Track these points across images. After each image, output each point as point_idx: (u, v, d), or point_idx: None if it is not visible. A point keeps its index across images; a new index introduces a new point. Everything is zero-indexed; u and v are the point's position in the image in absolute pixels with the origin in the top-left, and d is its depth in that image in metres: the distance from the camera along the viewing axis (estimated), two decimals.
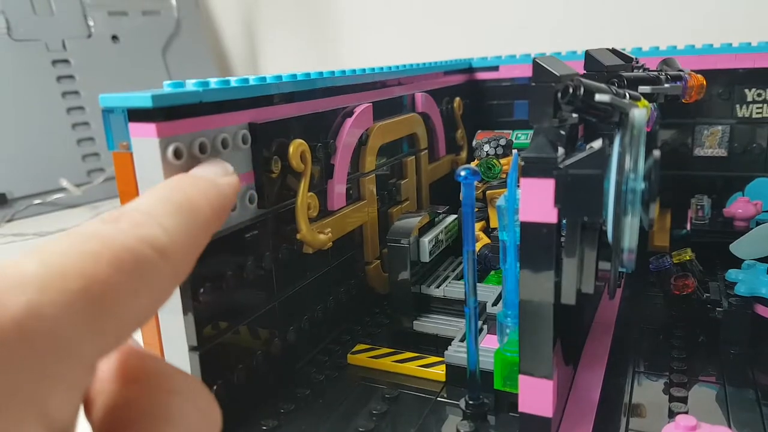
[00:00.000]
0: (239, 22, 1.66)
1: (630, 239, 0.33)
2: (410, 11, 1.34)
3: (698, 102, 0.81)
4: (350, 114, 0.57)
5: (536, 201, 0.38)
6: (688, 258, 0.61)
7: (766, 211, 0.75)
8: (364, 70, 0.63)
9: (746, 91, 0.78)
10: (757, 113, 0.79)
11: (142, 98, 0.37)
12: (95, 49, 1.35)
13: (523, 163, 0.38)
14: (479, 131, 0.81)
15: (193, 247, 0.24)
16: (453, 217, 0.63)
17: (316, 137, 0.52)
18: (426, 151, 0.74)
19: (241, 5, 1.63)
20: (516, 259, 0.44)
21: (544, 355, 0.42)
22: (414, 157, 0.71)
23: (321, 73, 0.54)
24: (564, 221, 0.39)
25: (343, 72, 0.58)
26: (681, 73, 0.44)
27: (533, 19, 1.18)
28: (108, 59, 1.36)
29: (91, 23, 1.34)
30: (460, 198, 0.45)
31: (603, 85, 0.38)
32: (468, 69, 0.95)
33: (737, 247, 0.57)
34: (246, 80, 0.45)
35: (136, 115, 0.38)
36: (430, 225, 0.61)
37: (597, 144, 0.36)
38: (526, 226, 0.39)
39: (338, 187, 0.54)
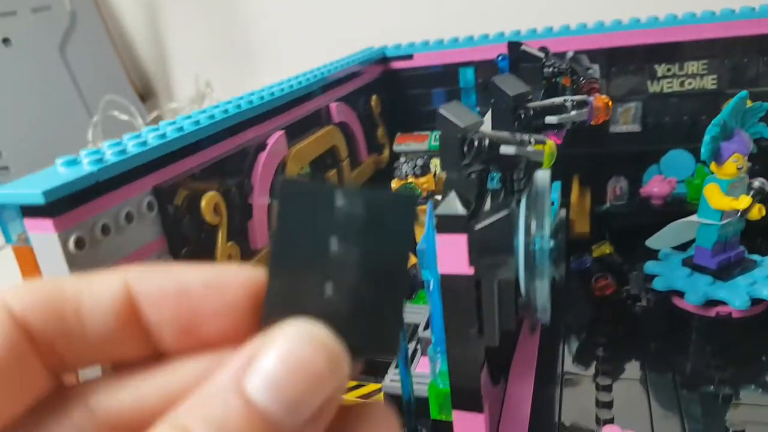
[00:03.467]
0: (141, 7, 1.57)
1: (541, 299, 0.34)
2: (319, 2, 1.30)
3: (611, 80, 0.83)
4: (263, 147, 0.55)
5: (452, 254, 0.38)
6: (607, 252, 0.63)
7: (682, 181, 0.78)
8: (272, 93, 0.60)
9: (656, 66, 0.80)
10: (667, 88, 0.81)
11: (32, 195, 0.35)
12: None
13: (435, 220, 0.38)
14: (399, 134, 0.80)
15: None
16: None
17: (229, 181, 0.51)
18: (347, 159, 0.73)
19: None
20: (440, 298, 0.45)
21: (474, 391, 0.43)
22: (336, 169, 0.70)
23: (226, 111, 0.52)
24: None
25: (250, 102, 0.56)
26: (585, 97, 0.45)
27: (445, 2, 1.16)
28: (2, 64, 1.27)
29: None
30: None
31: (507, 135, 0.38)
32: (382, 59, 0.93)
33: (653, 242, 0.59)
34: (144, 143, 0.43)
35: (30, 210, 0.36)
36: None
37: (506, 200, 0.36)
38: (445, 278, 0.39)
39: (260, 226, 0.53)
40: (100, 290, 0.18)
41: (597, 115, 0.45)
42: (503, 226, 0.35)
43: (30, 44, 1.32)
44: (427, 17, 1.18)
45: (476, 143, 0.37)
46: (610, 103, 0.46)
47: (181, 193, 0.45)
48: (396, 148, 0.77)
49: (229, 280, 0.18)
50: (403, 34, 0.98)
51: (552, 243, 0.34)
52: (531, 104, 0.45)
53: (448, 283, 0.39)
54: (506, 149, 0.37)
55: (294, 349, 0.17)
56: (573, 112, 0.45)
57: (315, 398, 0.17)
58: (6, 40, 1.28)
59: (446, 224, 0.38)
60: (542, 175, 0.34)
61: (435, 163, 0.69)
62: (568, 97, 0.45)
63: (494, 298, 0.38)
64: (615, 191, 0.80)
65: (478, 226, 0.35)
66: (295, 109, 0.64)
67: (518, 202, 0.35)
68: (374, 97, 0.85)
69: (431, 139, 0.76)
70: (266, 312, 0.18)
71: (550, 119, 0.44)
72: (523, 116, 0.45)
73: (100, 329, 0.18)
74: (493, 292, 0.37)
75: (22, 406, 0.18)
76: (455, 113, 0.39)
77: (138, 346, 0.19)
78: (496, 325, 0.40)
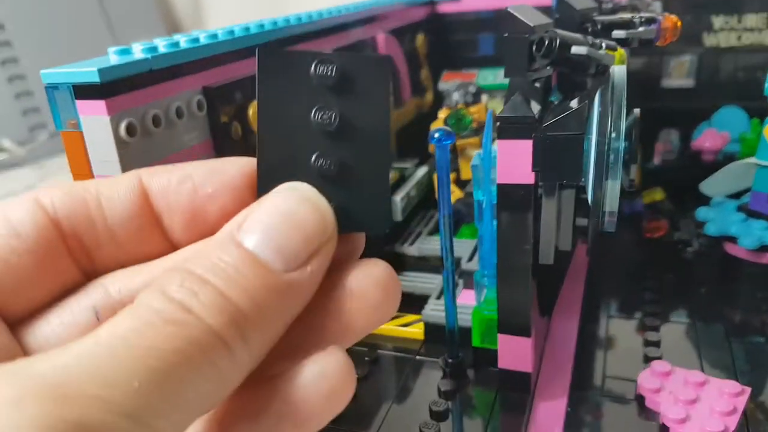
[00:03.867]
0: None
1: (611, 202, 0.32)
2: None
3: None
4: None
5: (513, 162, 0.37)
6: (659, 198, 0.61)
7: (735, 140, 0.75)
8: (320, 14, 0.59)
9: (713, 18, 0.77)
10: (724, 42, 0.77)
11: (88, 73, 0.34)
12: None
13: (498, 124, 0.36)
14: (445, 71, 0.78)
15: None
16: (423, 170, 0.61)
17: None
18: (390, 96, 0.71)
19: None
20: (492, 218, 0.43)
21: (523, 314, 0.42)
22: None
23: (275, 23, 0.51)
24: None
25: (299, 19, 0.55)
26: (654, 15, 0.42)
27: None
28: (40, 7, 1.27)
29: None
30: (430, 151, 0.42)
31: (579, 36, 0.36)
32: (430, 2, 0.91)
33: (707, 186, 0.57)
34: (196, 40, 0.42)
35: (83, 91, 0.35)
36: (400, 181, 0.59)
37: (574, 102, 0.35)
38: (503, 188, 0.38)
39: None
40: (117, 183, 0.21)
41: (664, 35, 0.43)
42: (574, 124, 0.33)
43: None
44: None
45: (546, 42, 0.35)
46: (679, 23, 0.43)
47: (230, 96, 0.44)
48: (441, 86, 0.75)
49: (226, 165, 0.21)
50: None
51: (625, 144, 0.32)
52: (598, 18, 0.43)
53: (506, 193, 0.38)
54: (578, 49, 0.35)
55: (282, 203, 0.19)
56: (641, 29, 0.42)
57: (303, 248, 0.18)
58: None
59: (509, 129, 0.36)
60: (620, 69, 0.32)
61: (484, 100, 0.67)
62: (636, 14, 0.43)
63: (555, 206, 0.37)
64: (665, 145, 0.77)
65: (546, 123, 0.33)
66: (342, 34, 0.62)
67: (591, 101, 0.33)
68: (420, 36, 0.82)
69: (479, 79, 0.74)
70: (259, 185, 0.20)
71: (618, 33, 0.42)
72: (590, 29, 0.43)
73: (118, 217, 0.20)
74: (554, 199, 0.36)
75: (51, 290, 0.20)
76: (524, 13, 0.37)
77: (154, 241, 0.21)
78: (553, 239, 0.39)
